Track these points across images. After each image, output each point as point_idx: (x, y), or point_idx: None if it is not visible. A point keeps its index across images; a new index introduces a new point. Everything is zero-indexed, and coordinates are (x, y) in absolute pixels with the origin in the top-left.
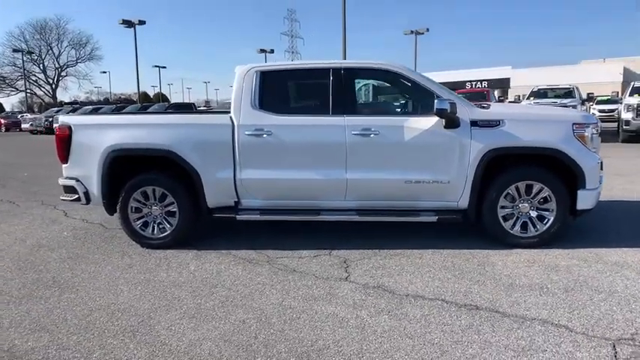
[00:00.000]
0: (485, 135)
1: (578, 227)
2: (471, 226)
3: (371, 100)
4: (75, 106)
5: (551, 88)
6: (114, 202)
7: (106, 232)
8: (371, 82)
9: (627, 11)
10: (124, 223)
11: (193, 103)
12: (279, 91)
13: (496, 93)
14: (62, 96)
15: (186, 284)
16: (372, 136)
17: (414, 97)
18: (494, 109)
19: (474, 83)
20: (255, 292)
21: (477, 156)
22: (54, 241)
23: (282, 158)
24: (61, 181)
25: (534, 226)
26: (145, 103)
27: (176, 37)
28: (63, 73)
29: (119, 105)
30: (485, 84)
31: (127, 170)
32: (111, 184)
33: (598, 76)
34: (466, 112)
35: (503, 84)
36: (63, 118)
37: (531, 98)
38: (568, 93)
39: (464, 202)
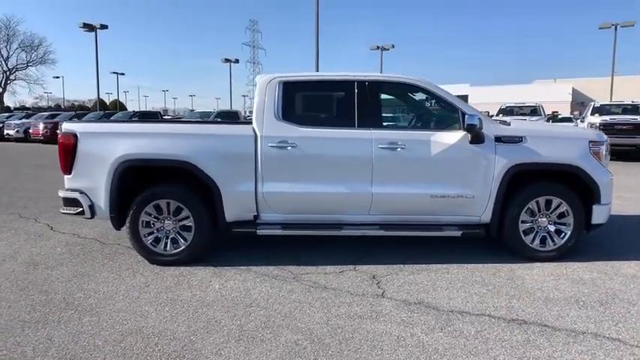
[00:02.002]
0: (508, 151)
1: (584, 240)
2: (483, 240)
3: (394, 114)
4: (28, 112)
5: (519, 106)
6: (122, 216)
7: (105, 247)
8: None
9: (578, 35)
10: (134, 239)
11: (159, 112)
12: (303, 102)
13: None
14: (9, 101)
15: (217, 304)
16: (398, 150)
17: (440, 112)
18: (516, 126)
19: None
20: (294, 310)
21: (501, 171)
22: (49, 258)
23: (306, 171)
24: (62, 194)
25: (552, 240)
26: (101, 110)
27: (131, 43)
28: (12, 77)
29: (78, 112)
30: None
31: (137, 182)
32: (120, 196)
33: (549, 95)
34: (490, 128)
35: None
36: (67, 126)
37: (500, 115)
38: (534, 110)
39: (487, 216)
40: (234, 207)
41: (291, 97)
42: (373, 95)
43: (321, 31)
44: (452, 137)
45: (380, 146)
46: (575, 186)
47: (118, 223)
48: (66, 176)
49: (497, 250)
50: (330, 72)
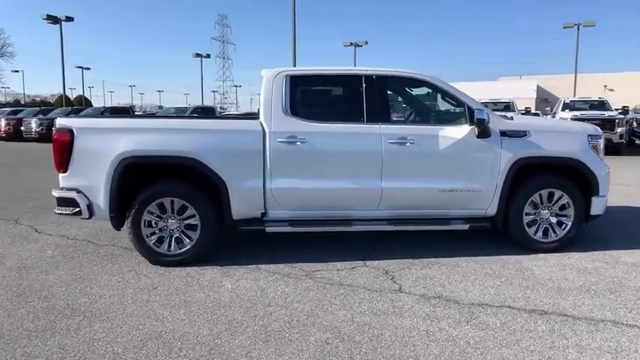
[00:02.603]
0: (513, 145)
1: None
2: (484, 233)
3: (398, 108)
4: None
5: (493, 102)
6: (122, 216)
7: (100, 249)
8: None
9: (543, 34)
10: (136, 239)
11: (130, 107)
12: (310, 96)
13: None
14: None
15: (234, 304)
16: (408, 144)
17: (450, 106)
18: (519, 121)
19: None
20: (315, 309)
21: (507, 165)
22: (41, 262)
23: (316, 167)
24: (57, 193)
25: (554, 231)
26: (67, 106)
27: (95, 37)
28: None
29: (43, 108)
30: None
31: (138, 180)
32: (121, 195)
33: (515, 91)
34: (496, 122)
35: None
36: (63, 121)
37: None
38: (507, 106)
39: (492, 209)
40: (242, 204)
41: (299, 91)
42: (381, 90)
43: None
44: (459, 132)
45: (389, 141)
46: (575, 178)
47: (118, 224)
48: (61, 175)
49: (500, 243)
50: (336, 66)
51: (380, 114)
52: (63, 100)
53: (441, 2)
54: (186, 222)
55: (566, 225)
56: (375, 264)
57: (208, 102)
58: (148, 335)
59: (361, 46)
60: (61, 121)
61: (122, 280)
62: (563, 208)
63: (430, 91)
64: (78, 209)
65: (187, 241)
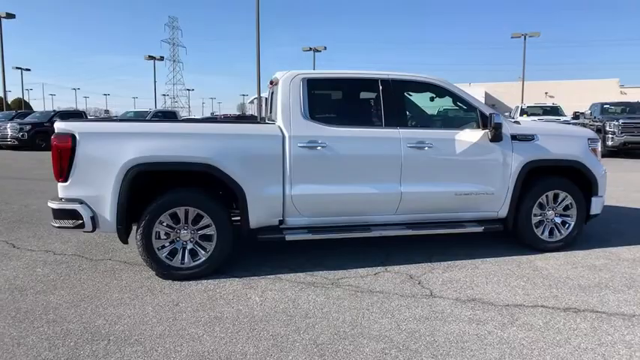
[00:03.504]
0: (523, 148)
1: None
2: (486, 234)
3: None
4: None
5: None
6: (129, 228)
7: (96, 264)
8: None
9: (490, 43)
10: (146, 252)
11: (83, 111)
12: (328, 100)
13: None
14: None
15: (271, 318)
16: (426, 148)
17: (461, 111)
18: (526, 125)
19: None
20: (357, 318)
21: (518, 167)
22: (34, 282)
23: (336, 172)
24: (56, 204)
25: (559, 231)
26: (9, 110)
27: (34, 37)
28: None
29: None
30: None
31: (148, 189)
32: (129, 205)
33: None
34: (507, 126)
35: None
36: (63, 126)
37: None
38: None
39: (504, 211)
40: (260, 212)
41: (316, 95)
42: (398, 94)
43: (249, 33)
44: (474, 136)
45: (408, 145)
46: (577, 180)
47: (125, 236)
48: (60, 184)
49: (505, 243)
50: (352, 70)
51: (398, 118)
52: (4, 104)
53: (392, 10)
54: (201, 232)
55: (570, 225)
56: (396, 269)
57: (158, 106)
58: (190, 357)
59: (320, 51)
60: (60, 126)
61: (136, 298)
62: (566, 208)
63: (434, 95)
64: (80, 222)
65: (202, 252)
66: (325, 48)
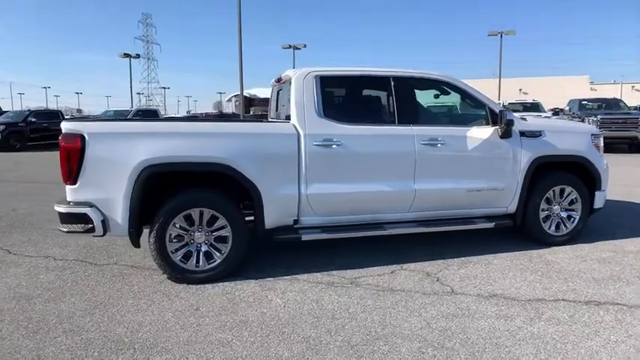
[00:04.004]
0: (531, 144)
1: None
2: (488, 230)
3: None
4: None
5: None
6: (140, 231)
7: (102, 269)
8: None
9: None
10: (161, 256)
11: (60, 111)
12: (341, 98)
13: None
14: None
15: (298, 320)
16: (439, 145)
17: (470, 107)
18: (533, 121)
19: None
20: (385, 317)
21: (527, 163)
22: (40, 289)
23: (351, 170)
24: (64, 208)
25: (565, 225)
26: None
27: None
28: None
29: None
30: None
31: (161, 190)
32: (142, 208)
33: None
34: (515, 123)
35: None
36: (71, 125)
37: None
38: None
39: (513, 207)
40: (276, 212)
41: (329, 92)
42: (410, 91)
43: (230, 30)
44: (485, 132)
45: (422, 142)
46: (582, 175)
47: (136, 240)
48: (69, 187)
49: (511, 239)
50: (364, 67)
51: (411, 115)
52: None
53: (371, 9)
54: (216, 234)
55: (575, 219)
56: (411, 267)
57: (134, 104)
58: None
59: (299, 48)
60: (68, 126)
61: (153, 304)
62: (571, 203)
63: (438, 92)
64: (90, 226)
65: (217, 254)
66: (305, 46)
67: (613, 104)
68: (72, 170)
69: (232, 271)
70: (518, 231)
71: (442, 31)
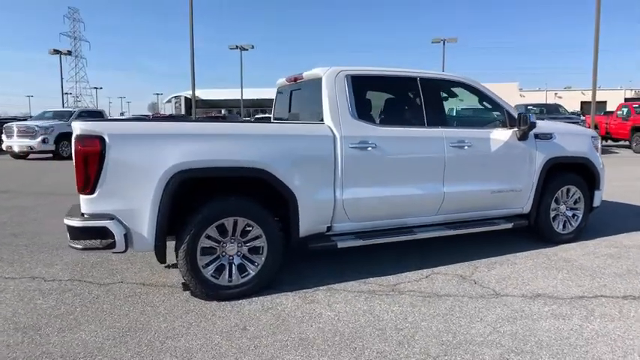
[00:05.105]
0: (544, 146)
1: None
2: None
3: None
4: None
5: None
6: (165, 245)
7: (109, 289)
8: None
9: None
10: (191, 272)
11: (30, 116)
12: (372, 99)
13: None
14: None
15: (362, 334)
16: (466, 148)
17: (491, 111)
18: (544, 124)
19: None
20: (449, 325)
21: (541, 165)
22: (45, 317)
23: (385, 174)
24: (78, 222)
25: (570, 224)
26: None
27: None
28: None
29: None
30: None
31: (189, 199)
32: (171, 218)
33: None
34: None
35: None
36: (88, 126)
37: None
38: None
39: (527, 207)
40: (311, 219)
41: (361, 92)
42: (437, 92)
43: (168, 29)
44: (505, 134)
45: (450, 145)
46: (584, 175)
47: (164, 254)
48: (86, 196)
49: (517, 237)
50: (392, 68)
51: (439, 117)
52: None
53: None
54: (250, 245)
55: (578, 217)
56: (442, 270)
57: (59, 105)
58: None
59: (247, 49)
60: (85, 127)
61: (190, 326)
62: (576, 202)
63: (446, 95)
64: (111, 241)
65: (251, 267)
66: (253, 47)
67: (553, 109)
68: (89, 177)
69: (267, 284)
70: (521, 230)
71: (383, 36)
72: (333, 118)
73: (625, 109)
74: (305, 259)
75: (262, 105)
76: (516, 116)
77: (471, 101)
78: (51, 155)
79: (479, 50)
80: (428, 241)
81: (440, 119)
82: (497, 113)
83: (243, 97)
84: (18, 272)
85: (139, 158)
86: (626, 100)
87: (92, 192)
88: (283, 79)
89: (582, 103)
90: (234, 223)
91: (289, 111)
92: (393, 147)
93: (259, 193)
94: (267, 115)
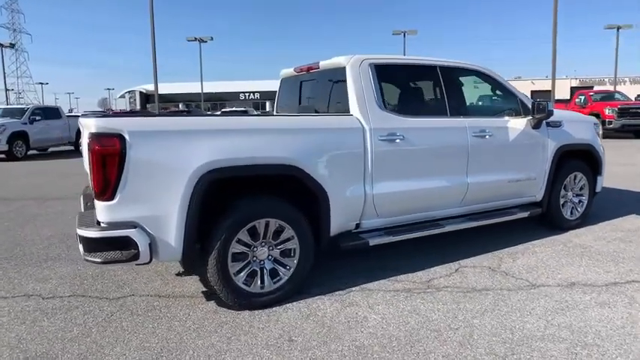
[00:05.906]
0: (555, 134)
1: None
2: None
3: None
4: None
5: None
6: (193, 253)
7: (122, 304)
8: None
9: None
10: (223, 281)
11: None
12: (397, 88)
13: (267, 105)
14: None
15: (419, 337)
16: (487, 137)
17: (506, 99)
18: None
19: (247, 94)
20: (502, 321)
21: (552, 152)
22: (58, 342)
23: (413, 166)
24: (96, 232)
25: (577, 210)
26: None
27: None
28: None
29: None
30: (257, 95)
31: (216, 201)
32: (200, 223)
33: None
34: None
35: (273, 96)
36: (106, 123)
37: None
38: None
39: (540, 195)
40: (341, 217)
41: (386, 82)
42: (457, 81)
43: (119, 21)
44: (521, 123)
45: (473, 134)
46: (588, 162)
47: (191, 263)
48: (103, 203)
49: (524, 225)
50: (413, 56)
51: (460, 106)
52: None
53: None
54: (281, 247)
55: (584, 203)
56: (469, 263)
57: (7, 101)
58: None
59: (206, 41)
60: (101, 123)
61: (230, 341)
62: (581, 188)
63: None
64: (134, 252)
65: (283, 271)
66: (212, 38)
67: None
68: (109, 181)
69: (299, 288)
70: (523, 218)
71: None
72: (361, 110)
73: (582, 97)
74: (323, 257)
75: (222, 99)
76: (530, 104)
77: (482, 90)
78: (4, 156)
79: (434, 41)
80: (442, 233)
81: (462, 108)
82: (511, 101)
83: (203, 91)
84: (8, 290)
85: (165, 158)
86: (572, 88)
87: (112, 197)
88: (290, 69)
89: (532, 92)
90: (266, 224)
91: (299, 103)
92: (420, 138)
93: (287, 192)
94: (234, 109)
